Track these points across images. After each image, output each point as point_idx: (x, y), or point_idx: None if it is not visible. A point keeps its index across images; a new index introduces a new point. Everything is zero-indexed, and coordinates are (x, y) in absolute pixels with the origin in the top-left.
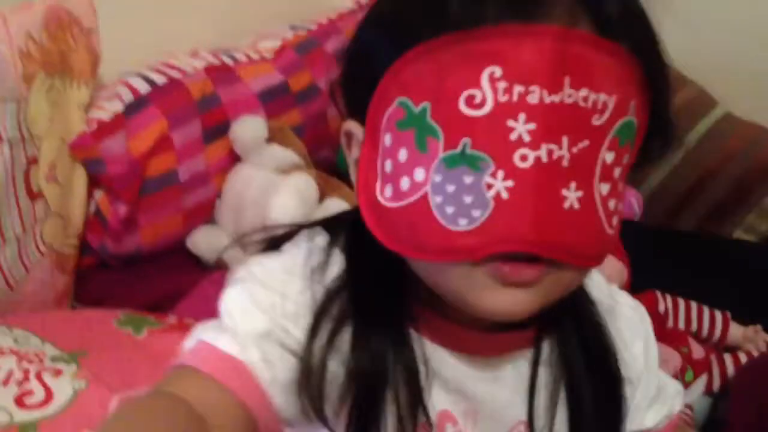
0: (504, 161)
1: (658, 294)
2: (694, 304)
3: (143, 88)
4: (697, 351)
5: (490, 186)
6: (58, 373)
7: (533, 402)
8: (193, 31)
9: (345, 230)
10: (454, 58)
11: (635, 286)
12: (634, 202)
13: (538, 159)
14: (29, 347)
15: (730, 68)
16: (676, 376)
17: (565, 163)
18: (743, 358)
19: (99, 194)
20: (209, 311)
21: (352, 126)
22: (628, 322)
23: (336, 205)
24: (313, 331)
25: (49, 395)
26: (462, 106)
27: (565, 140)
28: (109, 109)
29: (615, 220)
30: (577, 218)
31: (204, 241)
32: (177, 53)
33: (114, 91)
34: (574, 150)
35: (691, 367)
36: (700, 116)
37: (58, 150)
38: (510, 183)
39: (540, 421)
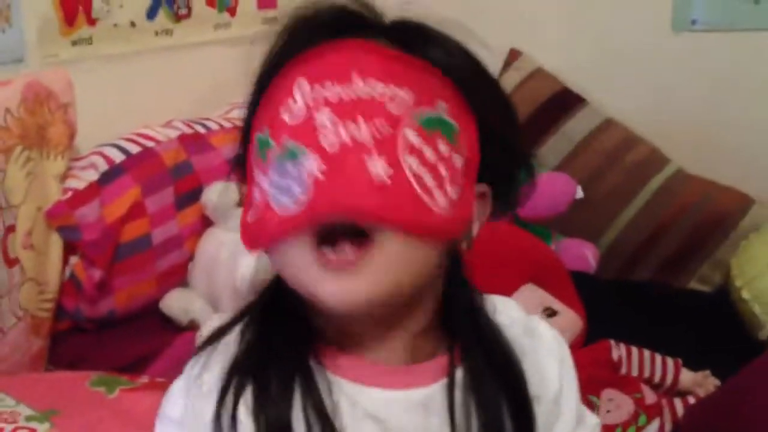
0: (316, 148)
1: (612, 342)
2: (647, 352)
3: (117, 157)
4: (650, 396)
5: (309, 171)
6: None
7: (454, 426)
8: (168, 104)
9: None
10: (279, 81)
11: (592, 336)
12: (589, 255)
13: (342, 141)
14: (4, 408)
15: (681, 127)
16: (629, 421)
17: (363, 138)
18: (692, 402)
19: (74, 260)
20: (181, 370)
21: None
22: (545, 343)
23: None
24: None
25: None
26: (283, 115)
27: (361, 121)
28: (83, 178)
29: (441, 200)
30: (389, 189)
31: (176, 304)
32: (152, 124)
33: (89, 160)
34: (372, 128)
35: (644, 412)
36: (653, 173)
37: (34, 218)
38: (323, 166)
39: None
